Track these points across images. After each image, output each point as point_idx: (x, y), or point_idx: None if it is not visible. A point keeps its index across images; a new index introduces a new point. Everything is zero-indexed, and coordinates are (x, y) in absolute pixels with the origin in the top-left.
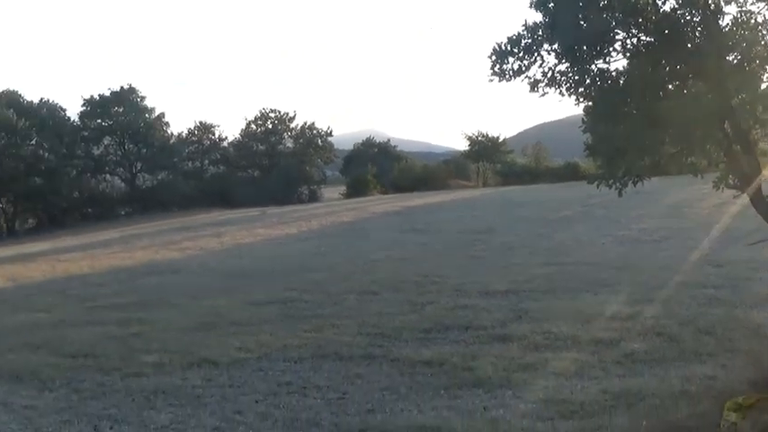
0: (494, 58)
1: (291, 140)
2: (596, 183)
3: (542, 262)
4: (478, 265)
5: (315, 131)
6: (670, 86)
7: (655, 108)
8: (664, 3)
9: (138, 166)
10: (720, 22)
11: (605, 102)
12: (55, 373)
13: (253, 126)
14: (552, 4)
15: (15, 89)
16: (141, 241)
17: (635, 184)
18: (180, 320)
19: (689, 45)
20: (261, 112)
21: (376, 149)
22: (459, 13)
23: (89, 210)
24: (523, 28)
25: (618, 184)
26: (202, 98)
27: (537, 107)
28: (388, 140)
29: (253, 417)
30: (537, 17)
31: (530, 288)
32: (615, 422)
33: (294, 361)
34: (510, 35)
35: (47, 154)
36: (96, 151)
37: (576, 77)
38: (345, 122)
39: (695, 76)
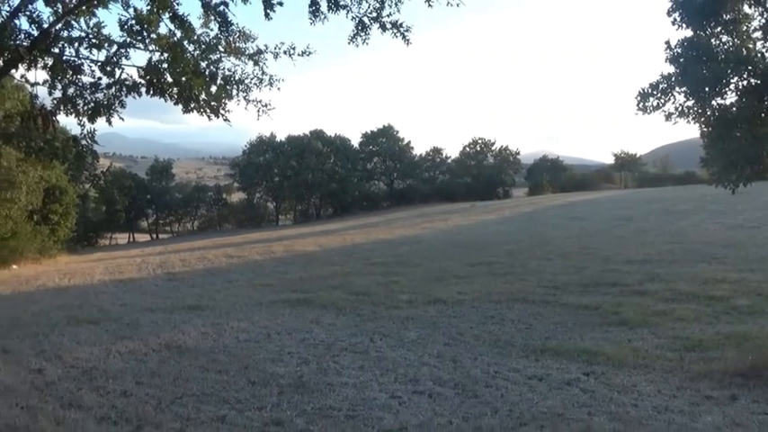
0: (638, 98)
1: (492, 157)
2: (714, 184)
3: (668, 241)
4: (621, 242)
5: (508, 151)
6: None
7: (759, 131)
8: None
9: (394, 175)
10: None
11: (721, 127)
12: (346, 304)
13: (467, 148)
14: (683, 59)
15: (321, 128)
16: (396, 224)
17: (745, 185)
18: (421, 274)
19: None
20: (472, 139)
21: (549, 163)
22: (604, 61)
23: (364, 203)
24: (660, 76)
25: (732, 185)
26: (435, 129)
27: (664, 132)
28: (557, 157)
29: (469, 337)
30: (670, 69)
31: (659, 259)
32: (726, 355)
33: (496, 302)
34: (651, 82)
35: (339, 169)
36: (368, 166)
37: (700, 110)
38: (529, 145)
39: None
